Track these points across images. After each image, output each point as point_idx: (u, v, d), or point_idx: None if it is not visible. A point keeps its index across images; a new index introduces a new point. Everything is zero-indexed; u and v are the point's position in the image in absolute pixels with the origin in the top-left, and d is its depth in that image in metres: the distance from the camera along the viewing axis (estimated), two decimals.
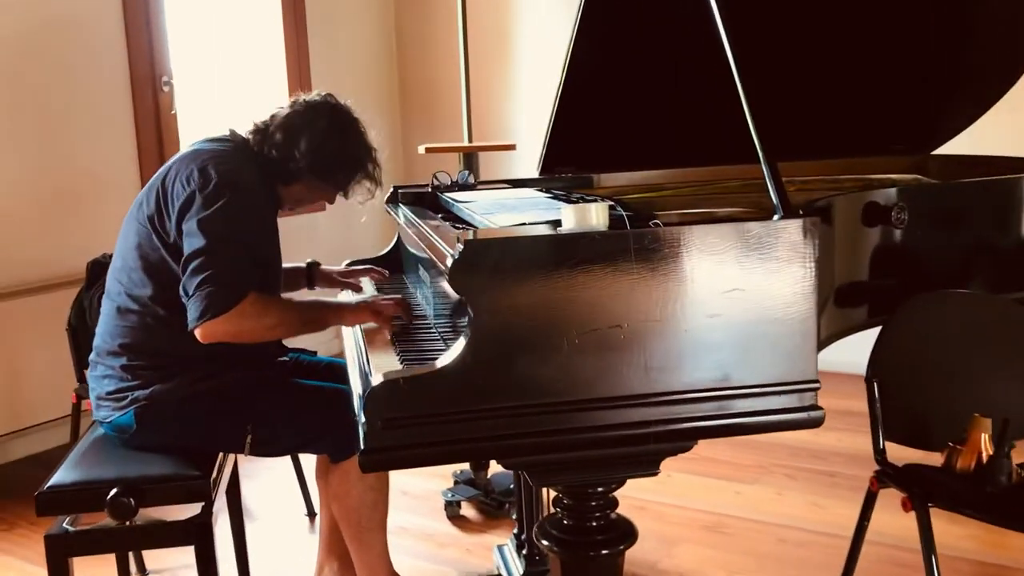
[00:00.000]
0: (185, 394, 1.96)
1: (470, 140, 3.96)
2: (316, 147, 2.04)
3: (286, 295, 2.39)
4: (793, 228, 1.56)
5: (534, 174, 2.74)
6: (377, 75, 4.85)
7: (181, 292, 1.86)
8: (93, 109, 3.52)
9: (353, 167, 2.15)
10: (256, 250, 1.93)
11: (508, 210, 2.00)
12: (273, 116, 2.10)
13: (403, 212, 2.53)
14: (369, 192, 2.20)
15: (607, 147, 2.76)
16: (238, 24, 4.27)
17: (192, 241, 1.86)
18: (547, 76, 4.33)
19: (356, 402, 1.74)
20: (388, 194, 2.72)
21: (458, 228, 2.04)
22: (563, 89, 2.45)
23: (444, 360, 1.46)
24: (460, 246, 1.46)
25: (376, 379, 1.46)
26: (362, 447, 1.45)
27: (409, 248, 2.44)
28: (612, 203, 1.72)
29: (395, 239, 2.77)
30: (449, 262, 1.48)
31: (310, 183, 2.13)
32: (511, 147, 3.94)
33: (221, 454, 2.07)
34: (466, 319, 1.48)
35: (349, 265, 2.68)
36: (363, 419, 1.44)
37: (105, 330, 2.04)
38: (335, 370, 2.27)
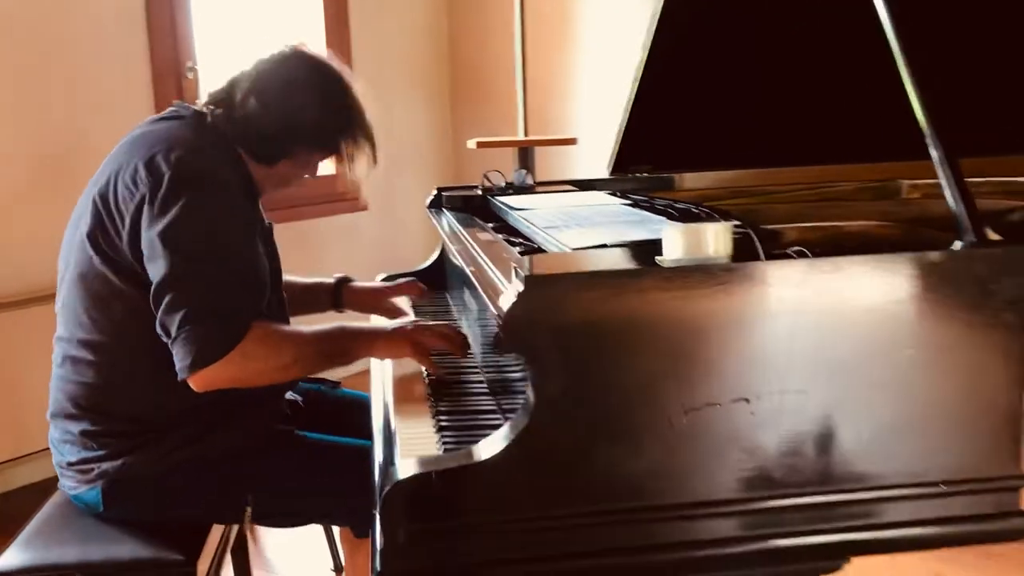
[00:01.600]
0: (164, 466, 1.52)
1: (526, 134, 3.53)
2: (306, 107, 1.57)
3: (302, 319, 1.96)
4: (993, 260, 1.10)
5: (600, 173, 2.34)
6: (425, 63, 4.43)
7: (160, 332, 1.43)
8: (108, 98, 3.16)
9: (350, 123, 1.65)
10: (242, 261, 1.50)
11: (579, 223, 1.56)
12: (231, 82, 1.59)
13: (447, 220, 2.10)
14: (370, 158, 1.68)
15: (689, 143, 2.32)
16: (272, 5, 3.89)
17: (156, 265, 1.40)
18: (612, 65, 3.87)
19: (375, 476, 1.32)
20: (431, 197, 2.30)
21: (515, 243, 1.61)
22: (641, 78, 2.10)
23: (495, 445, 1.03)
24: (518, 283, 1.02)
25: (402, 468, 1.04)
26: (378, 568, 1.02)
27: (454, 261, 2.01)
28: (737, 221, 1.26)
29: (438, 250, 2.35)
30: (504, 303, 1.04)
31: (300, 156, 1.64)
32: (572, 141, 3.50)
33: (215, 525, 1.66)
34: (525, 385, 1.05)
35: (384, 281, 2.25)
36: (379, 527, 1.02)
37: (57, 385, 1.56)
38: (364, 411, 1.79)
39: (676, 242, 1.06)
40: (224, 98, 1.59)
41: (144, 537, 1.52)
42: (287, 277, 1.91)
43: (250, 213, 1.56)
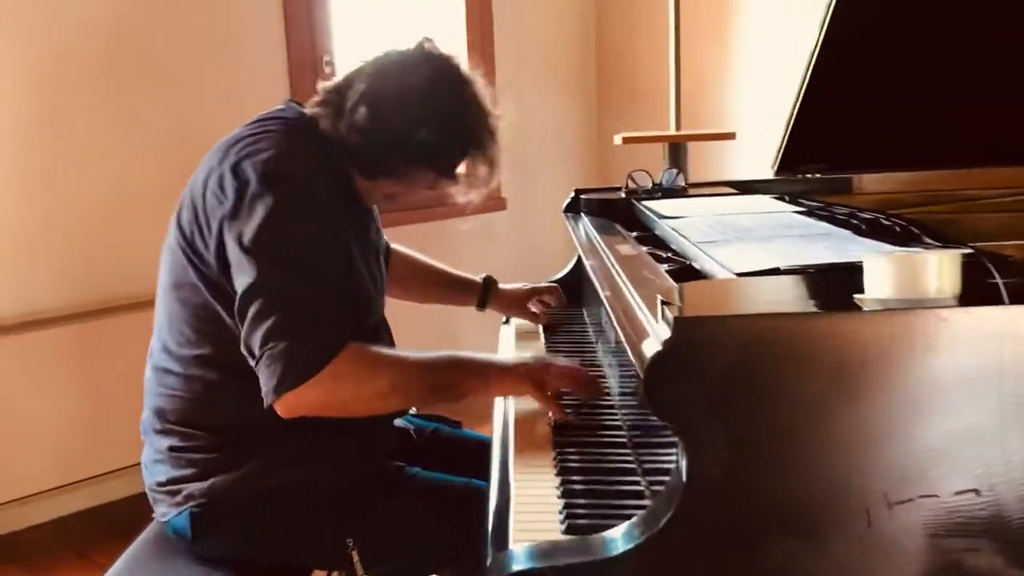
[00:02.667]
0: (255, 490, 1.35)
1: (678, 128, 3.23)
2: (420, 123, 1.36)
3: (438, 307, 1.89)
4: None
5: (762, 173, 2.08)
6: (571, 54, 4.20)
7: (244, 351, 1.26)
8: (243, 95, 3.08)
9: (468, 144, 1.43)
10: (335, 274, 1.30)
11: (742, 236, 1.28)
12: (347, 79, 1.41)
13: (584, 227, 1.85)
14: (487, 179, 1.46)
15: (867, 139, 2.00)
16: None
17: (242, 276, 1.26)
18: (774, 52, 3.51)
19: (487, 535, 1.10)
20: (568, 199, 2.07)
21: (663, 259, 1.35)
22: (815, 64, 1.86)
23: (632, 535, 0.79)
24: (664, 326, 0.78)
25: (513, 557, 0.81)
26: None
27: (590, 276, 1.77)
28: (970, 250, 0.96)
29: (575, 258, 2.10)
30: (647, 350, 0.79)
31: (407, 175, 1.44)
32: (730, 136, 3.19)
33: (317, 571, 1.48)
34: (673, 458, 0.80)
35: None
36: None
37: (147, 400, 1.47)
38: (485, 455, 1.50)
39: (884, 275, 0.78)
40: (335, 99, 1.40)
41: None
42: (432, 263, 1.88)
43: (348, 227, 1.39)
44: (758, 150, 3.47)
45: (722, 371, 0.77)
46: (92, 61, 2.70)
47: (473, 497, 1.36)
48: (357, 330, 1.29)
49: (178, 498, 1.38)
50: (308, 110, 1.43)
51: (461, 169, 1.44)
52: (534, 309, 1.95)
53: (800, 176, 2.04)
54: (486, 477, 1.38)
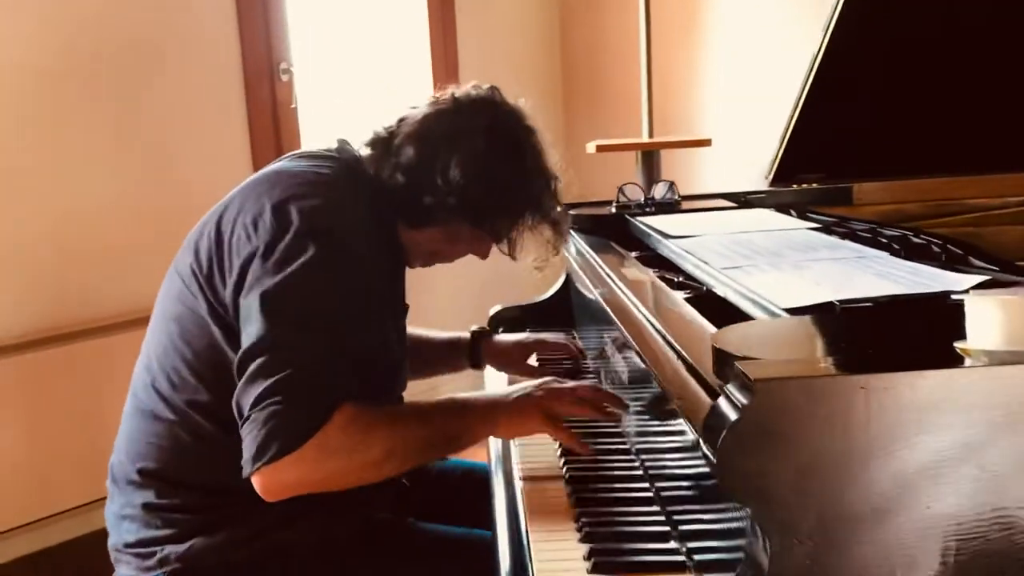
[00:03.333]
0: (241, 554, 1.20)
1: (651, 135, 3.12)
2: (470, 172, 1.22)
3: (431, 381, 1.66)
4: None
5: (738, 181, 2.04)
6: (536, 59, 4.07)
7: (234, 407, 1.09)
8: (196, 104, 2.91)
9: (525, 205, 1.29)
10: (357, 339, 1.14)
11: (771, 260, 1.16)
12: (402, 120, 1.30)
13: (577, 244, 1.72)
14: (549, 245, 1.34)
15: (862, 148, 1.90)
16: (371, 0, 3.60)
17: (252, 326, 1.10)
18: (748, 56, 3.42)
19: None
20: None
21: (676, 282, 1.22)
22: (817, 70, 1.79)
23: None
24: (738, 392, 0.64)
25: None
26: None
27: (586, 296, 1.63)
28: None
29: (562, 278, 1.97)
30: (719, 419, 0.66)
31: (453, 227, 1.30)
32: (706, 143, 3.08)
33: None
34: (713, 516, 0.67)
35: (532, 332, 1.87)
36: None
37: (124, 444, 1.28)
38: (480, 484, 1.41)
39: (994, 322, 0.66)
40: (384, 138, 1.28)
41: None
42: (422, 332, 1.63)
43: (386, 290, 1.27)
44: (733, 156, 3.39)
45: (812, 439, 0.64)
46: (39, 74, 2.50)
47: (478, 549, 1.22)
48: (369, 395, 1.13)
49: (150, 561, 1.22)
50: (360, 151, 1.31)
51: (522, 237, 1.31)
52: (535, 363, 1.68)
53: (796, 186, 1.94)
54: (486, 518, 1.26)
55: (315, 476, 1.06)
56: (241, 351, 1.10)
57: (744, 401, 0.63)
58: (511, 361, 1.66)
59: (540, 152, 1.30)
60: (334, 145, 1.34)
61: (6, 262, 2.46)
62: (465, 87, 1.31)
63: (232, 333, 1.16)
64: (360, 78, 3.59)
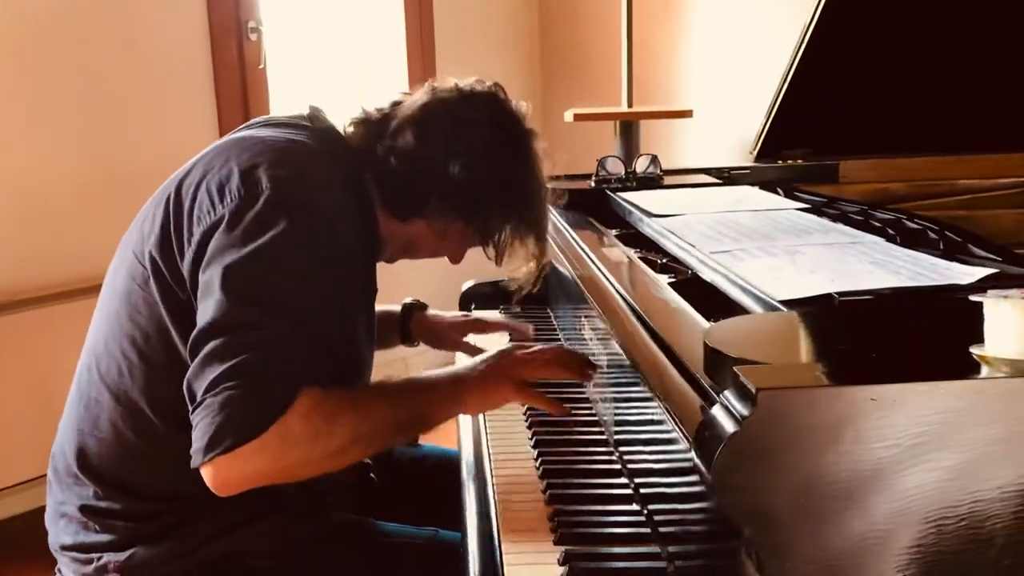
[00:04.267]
0: (188, 565, 1.10)
1: (630, 104, 3.05)
2: (474, 163, 1.14)
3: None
4: None
5: (718, 153, 1.89)
6: (513, 24, 3.97)
7: (184, 391, 0.99)
8: (159, 64, 2.78)
9: (521, 207, 1.21)
10: (326, 325, 1.04)
11: (760, 244, 1.10)
12: (397, 104, 1.21)
13: (553, 220, 1.65)
14: (531, 254, 1.24)
15: (850, 124, 1.86)
16: None
17: (210, 303, 1.00)
18: (730, 24, 3.34)
19: None
20: None
21: (659, 265, 1.16)
22: (805, 46, 1.74)
23: None
24: (737, 402, 0.58)
25: None
26: None
27: (566, 275, 1.57)
28: None
29: None
30: (715, 434, 0.61)
31: (442, 223, 1.21)
32: (687, 114, 3.01)
33: None
34: (695, 516, 0.61)
35: (502, 311, 1.80)
36: None
37: (65, 432, 1.17)
38: (452, 475, 1.32)
39: (1018, 328, 0.60)
40: (377, 118, 1.19)
41: None
42: None
43: (359, 277, 1.16)
44: (714, 129, 3.32)
45: (817, 454, 0.58)
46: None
47: (446, 553, 1.14)
48: (336, 382, 1.04)
49: (88, 568, 1.12)
50: (345, 127, 1.21)
51: (509, 240, 1.22)
52: (473, 341, 1.56)
53: (782, 163, 1.89)
54: (454, 516, 1.18)
55: (275, 467, 0.97)
56: (197, 329, 0.99)
57: (744, 413, 0.57)
58: (444, 340, 1.56)
59: (538, 157, 1.22)
60: (305, 112, 1.23)
61: None
62: (468, 80, 1.22)
63: (186, 316, 1.05)
64: (331, 39, 3.48)
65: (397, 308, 1.55)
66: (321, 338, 1.02)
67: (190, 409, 0.98)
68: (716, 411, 0.60)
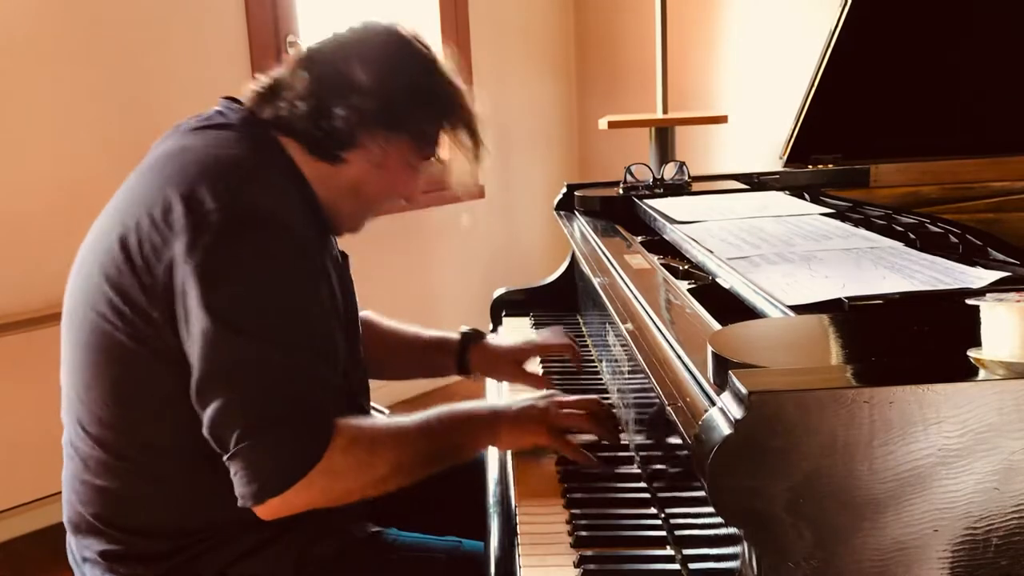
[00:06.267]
0: None
1: (665, 111, 3.05)
2: (381, 68, 1.10)
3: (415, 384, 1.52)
4: None
5: (754, 159, 1.90)
6: (549, 33, 3.99)
7: (209, 439, 1.00)
8: (201, 79, 2.85)
9: (442, 104, 1.16)
10: (319, 337, 1.05)
11: (778, 250, 1.10)
12: (282, 63, 1.17)
13: (581, 228, 1.67)
14: (470, 152, 1.21)
15: (880, 128, 1.84)
16: None
17: (200, 346, 0.98)
18: (766, 30, 3.33)
19: None
20: (560, 196, 1.88)
21: (681, 271, 1.17)
22: (831, 55, 1.73)
23: None
24: (732, 403, 0.60)
25: None
26: None
27: (593, 283, 1.58)
28: None
29: (567, 260, 1.92)
30: (710, 435, 0.62)
31: (374, 148, 1.14)
32: (722, 119, 3.01)
33: None
34: (711, 520, 0.63)
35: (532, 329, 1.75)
36: None
37: (68, 483, 1.15)
38: (467, 475, 1.31)
39: (1012, 329, 0.61)
40: (270, 85, 1.15)
41: None
42: (399, 327, 1.51)
43: (319, 255, 1.12)
44: (750, 134, 3.31)
45: (811, 456, 0.59)
46: (38, 45, 2.45)
47: (466, 565, 1.17)
48: (350, 403, 1.09)
49: None
50: (251, 111, 1.16)
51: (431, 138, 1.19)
52: (533, 370, 1.51)
53: (812, 167, 1.88)
54: (470, 518, 1.22)
55: (323, 499, 1.02)
56: (196, 376, 0.99)
57: (738, 415, 0.58)
58: (504, 371, 1.49)
59: (442, 62, 1.18)
60: (218, 107, 1.18)
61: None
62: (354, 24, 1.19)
63: (166, 353, 1.02)
64: None
65: (454, 336, 1.50)
66: (315, 351, 1.03)
67: (227, 457, 0.99)
68: (712, 413, 0.62)
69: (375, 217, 1.25)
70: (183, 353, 1.01)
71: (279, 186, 1.08)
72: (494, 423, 1.14)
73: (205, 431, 1.00)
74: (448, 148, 1.23)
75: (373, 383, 1.33)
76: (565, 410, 1.14)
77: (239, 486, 0.99)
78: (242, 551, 1.11)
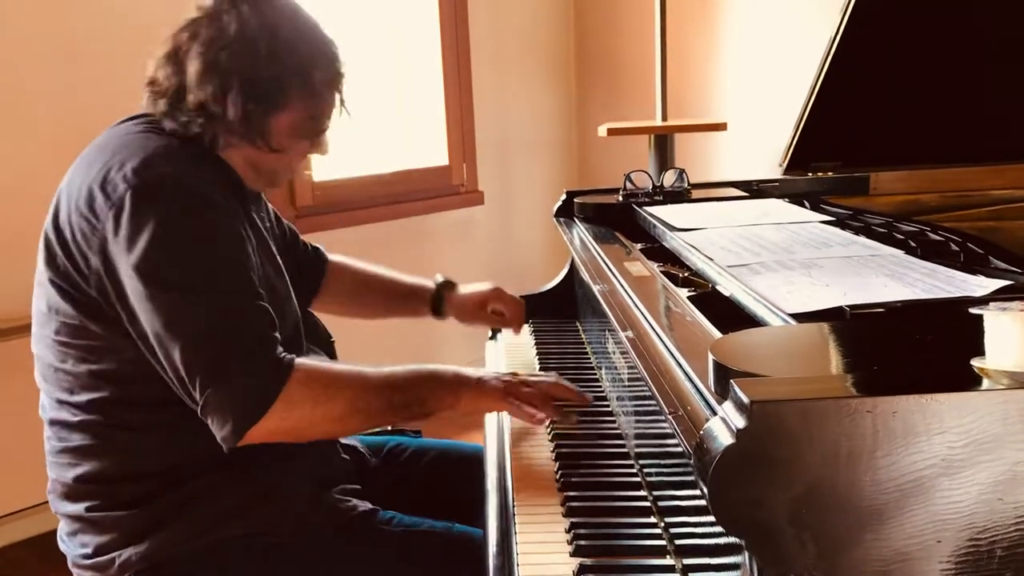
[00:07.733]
0: (205, 545, 1.15)
1: (664, 118, 3.05)
2: (265, 47, 1.15)
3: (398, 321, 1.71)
4: None
5: (754, 166, 1.91)
6: (548, 39, 3.99)
7: (180, 394, 1.09)
8: None
9: (324, 59, 1.22)
10: (248, 282, 1.12)
11: (778, 257, 1.10)
12: (159, 63, 1.22)
13: (580, 235, 1.67)
14: (340, 106, 1.27)
15: (880, 136, 1.84)
16: None
17: (147, 312, 1.07)
18: (765, 36, 3.33)
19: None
20: (560, 203, 1.88)
21: (680, 279, 1.17)
22: (830, 63, 1.72)
23: None
24: (735, 413, 0.59)
25: None
26: None
27: (593, 290, 1.58)
28: None
29: (567, 267, 1.91)
30: (711, 445, 0.61)
31: (276, 113, 1.19)
32: (721, 127, 3.01)
33: None
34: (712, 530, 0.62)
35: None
36: None
37: (50, 464, 1.22)
38: (462, 466, 1.42)
39: (1016, 339, 0.60)
40: (159, 80, 1.20)
41: None
42: (388, 273, 1.66)
43: (234, 219, 1.17)
44: (749, 142, 3.31)
45: (813, 466, 0.59)
46: (42, 54, 2.44)
47: (459, 546, 1.21)
48: (289, 340, 1.16)
49: (112, 570, 1.16)
50: (156, 113, 1.21)
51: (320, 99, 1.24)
52: (496, 309, 1.66)
53: (811, 175, 1.88)
54: (464, 506, 1.29)
55: (283, 426, 1.09)
56: (152, 337, 1.08)
57: (740, 424, 0.58)
58: (469, 310, 1.66)
59: (309, 18, 1.23)
60: (141, 111, 1.24)
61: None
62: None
63: (115, 323, 1.11)
64: (368, 54, 3.52)
65: (430, 283, 1.65)
66: (248, 293, 1.11)
67: (194, 407, 1.07)
68: (714, 423, 0.61)
69: (292, 175, 1.34)
70: (126, 317, 1.10)
71: (186, 157, 1.15)
72: (456, 386, 1.20)
73: (174, 386, 1.09)
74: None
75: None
76: (526, 389, 1.20)
77: (216, 433, 1.08)
78: (230, 505, 1.16)
